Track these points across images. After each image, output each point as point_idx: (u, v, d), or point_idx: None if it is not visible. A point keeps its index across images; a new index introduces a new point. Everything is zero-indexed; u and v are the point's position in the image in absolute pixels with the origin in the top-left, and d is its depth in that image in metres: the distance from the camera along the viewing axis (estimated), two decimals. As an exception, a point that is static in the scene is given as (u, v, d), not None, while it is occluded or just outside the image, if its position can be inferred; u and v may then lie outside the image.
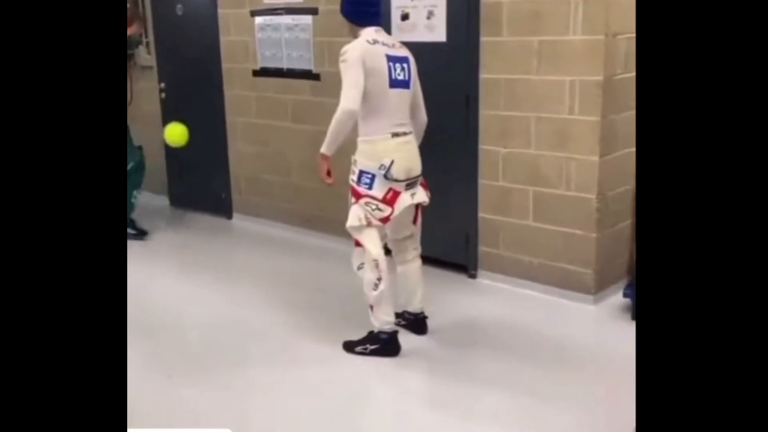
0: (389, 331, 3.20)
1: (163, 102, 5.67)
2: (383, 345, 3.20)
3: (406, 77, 3.06)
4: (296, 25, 4.70)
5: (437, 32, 3.95)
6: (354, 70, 2.92)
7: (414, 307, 3.38)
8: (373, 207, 3.03)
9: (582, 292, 3.73)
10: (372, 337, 3.23)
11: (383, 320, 3.17)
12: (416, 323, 3.40)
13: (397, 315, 3.39)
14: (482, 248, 4.10)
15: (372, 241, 3.08)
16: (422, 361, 3.23)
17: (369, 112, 2.99)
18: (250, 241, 5.09)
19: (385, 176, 2.99)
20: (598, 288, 3.71)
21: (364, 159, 3.03)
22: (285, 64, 4.85)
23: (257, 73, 5.03)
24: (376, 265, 3.06)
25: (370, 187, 3.02)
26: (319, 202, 4.86)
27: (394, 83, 3.00)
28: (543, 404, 2.83)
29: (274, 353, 3.35)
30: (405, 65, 3.06)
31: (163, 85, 5.66)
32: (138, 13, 5.40)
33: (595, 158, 3.55)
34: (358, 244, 3.13)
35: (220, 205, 5.54)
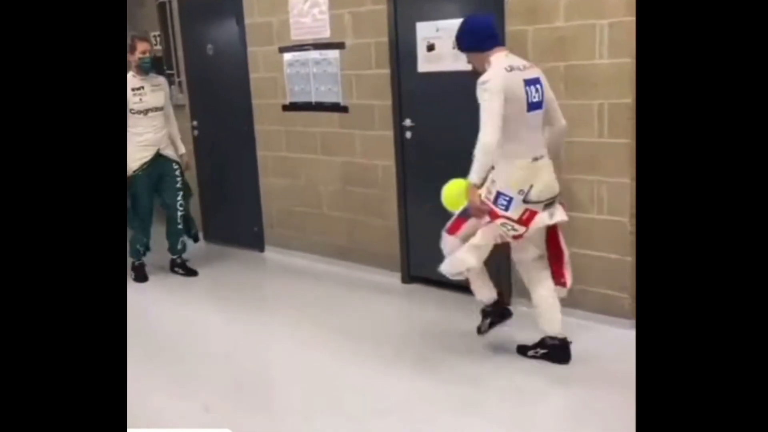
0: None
1: (195, 140, 5.78)
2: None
3: (540, 98, 3.10)
4: (324, 60, 4.78)
5: (464, 61, 3.97)
6: (495, 100, 2.95)
7: (555, 332, 3.33)
8: (509, 228, 3.10)
9: (620, 316, 3.67)
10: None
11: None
12: (561, 348, 3.33)
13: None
14: (516, 275, 4.06)
15: (478, 259, 3.19)
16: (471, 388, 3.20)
17: (509, 137, 3.00)
18: (282, 274, 5.13)
19: (524, 200, 3.05)
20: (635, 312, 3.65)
21: (502, 181, 3.06)
22: (313, 98, 4.93)
23: (286, 108, 5.12)
24: (468, 270, 3.20)
25: (506, 209, 3.07)
26: (350, 233, 4.89)
27: (532, 106, 3.06)
28: (579, 429, 2.78)
29: (312, 381, 3.35)
30: (538, 86, 3.10)
31: (195, 123, 5.78)
32: (138, 35, 4.98)
33: (627, 180, 3.52)
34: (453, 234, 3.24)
35: (253, 239, 5.60)
